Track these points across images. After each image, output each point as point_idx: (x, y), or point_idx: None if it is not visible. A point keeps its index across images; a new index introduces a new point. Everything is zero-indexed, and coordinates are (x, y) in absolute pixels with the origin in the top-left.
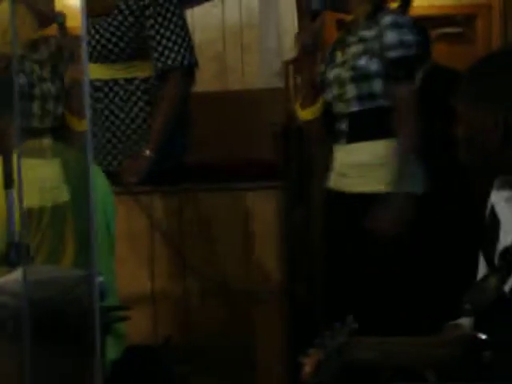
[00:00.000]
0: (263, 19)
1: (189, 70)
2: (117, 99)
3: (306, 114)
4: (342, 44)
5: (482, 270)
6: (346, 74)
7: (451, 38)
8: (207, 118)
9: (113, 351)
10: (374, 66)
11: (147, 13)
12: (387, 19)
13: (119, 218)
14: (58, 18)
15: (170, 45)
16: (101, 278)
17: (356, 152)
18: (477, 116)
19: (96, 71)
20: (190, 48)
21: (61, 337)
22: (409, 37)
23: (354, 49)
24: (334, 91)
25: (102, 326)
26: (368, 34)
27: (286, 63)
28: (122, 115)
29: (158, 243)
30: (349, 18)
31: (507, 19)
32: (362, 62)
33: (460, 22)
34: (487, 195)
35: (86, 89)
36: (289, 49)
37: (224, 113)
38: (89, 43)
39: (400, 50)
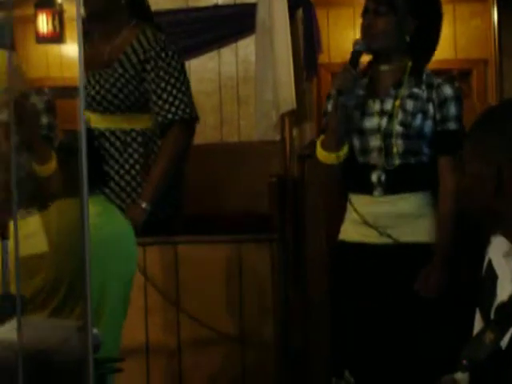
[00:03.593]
0: (259, 72)
1: (189, 123)
2: (112, 150)
3: (328, 157)
4: (374, 93)
5: (479, 324)
6: (396, 127)
7: None
8: (203, 169)
9: None
10: (428, 127)
11: (148, 67)
12: (449, 90)
13: None
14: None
15: (171, 99)
16: (95, 330)
17: (392, 204)
18: (475, 167)
19: (93, 120)
20: (191, 102)
21: None
22: (461, 111)
23: (403, 103)
24: (375, 142)
25: (95, 378)
26: (420, 92)
27: (283, 116)
28: (116, 166)
29: (152, 294)
30: (383, 67)
31: (503, 74)
32: (418, 121)
33: (456, 77)
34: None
35: (83, 138)
36: (285, 102)
37: (220, 165)
38: (88, 93)
39: (457, 124)
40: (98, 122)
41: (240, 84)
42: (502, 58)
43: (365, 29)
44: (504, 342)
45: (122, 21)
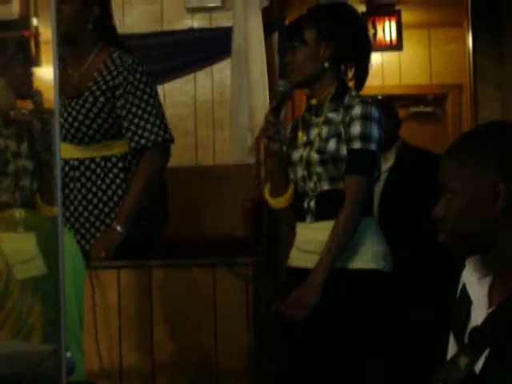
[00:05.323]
0: (235, 95)
1: (163, 145)
2: (94, 177)
3: (276, 203)
4: (304, 124)
5: (453, 348)
6: (313, 155)
7: (422, 117)
8: (178, 192)
9: None
10: (343, 149)
11: (117, 93)
12: (357, 110)
13: (87, 292)
14: (35, 96)
15: (143, 123)
16: (69, 354)
17: (323, 230)
18: (470, 189)
19: (71, 151)
20: (164, 124)
21: None
22: (373, 131)
23: (320, 130)
24: (300, 172)
25: None
26: (335, 117)
27: (258, 139)
28: (99, 193)
29: (126, 318)
30: (312, 101)
31: (477, 100)
32: (331, 145)
33: (431, 102)
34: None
35: (58, 159)
36: (260, 125)
37: (195, 188)
38: (62, 125)
39: (362, 143)
40: (75, 152)
41: (215, 107)
42: (476, 83)
43: (287, 67)
44: (478, 366)
45: (90, 45)
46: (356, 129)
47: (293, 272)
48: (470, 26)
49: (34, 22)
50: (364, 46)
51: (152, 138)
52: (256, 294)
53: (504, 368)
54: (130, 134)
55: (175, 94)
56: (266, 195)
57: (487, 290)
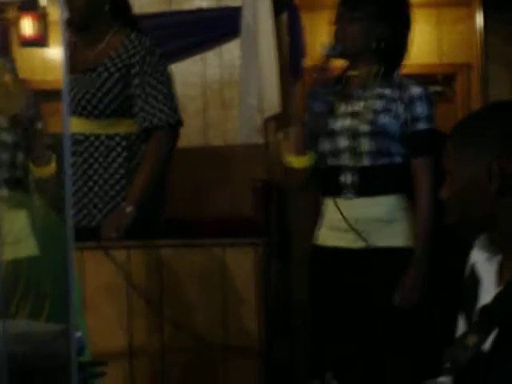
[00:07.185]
0: (244, 76)
1: (174, 127)
2: (97, 154)
3: (299, 161)
4: (342, 96)
5: (462, 327)
6: (362, 126)
7: None
8: (187, 173)
9: None
10: (394, 126)
11: (133, 71)
12: (417, 90)
13: (97, 273)
14: (8, 65)
15: (155, 103)
16: (79, 334)
17: (368, 206)
18: (467, 170)
19: (78, 125)
20: (175, 106)
21: None
22: (433, 111)
23: (371, 103)
24: (342, 143)
25: (78, 382)
26: (388, 93)
27: (267, 120)
28: (100, 170)
29: (135, 298)
30: (353, 72)
31: (487, 79)
32: (385, 119)
33: (440, 81)
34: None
35: (67, 142)
36: (270, 105)
37: (204, 168)
38: (73, 98)
39: (427, 123)
40: (82, 127)
41: (225, 88)
42: (486, 62)
43: (339, 34)
44: (487, 345)
45: (106, 27)
46: (419, 109)
47: (325, 251)
48: (479, 5)
49: (43, 1)
50: (408, 33)
51: (164, 117)
52: (265, 275)
53: None
54: (143, 113)
55: (184, 74)
56: (288, 157)
57: (496, 269)
